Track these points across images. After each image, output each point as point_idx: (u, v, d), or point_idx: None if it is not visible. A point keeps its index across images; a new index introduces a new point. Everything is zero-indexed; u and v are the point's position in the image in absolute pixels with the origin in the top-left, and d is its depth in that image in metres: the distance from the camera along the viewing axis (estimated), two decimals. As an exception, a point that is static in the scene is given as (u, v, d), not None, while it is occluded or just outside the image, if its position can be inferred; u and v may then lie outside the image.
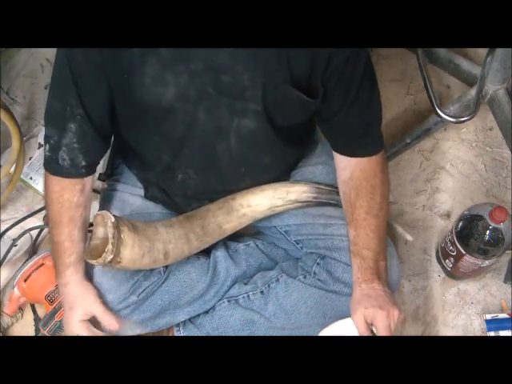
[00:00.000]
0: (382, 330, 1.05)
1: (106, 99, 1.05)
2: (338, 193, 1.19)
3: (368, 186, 1.11)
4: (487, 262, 1.29)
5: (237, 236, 1.30)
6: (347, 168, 1.13)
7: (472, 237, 1.25)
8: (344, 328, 1.10)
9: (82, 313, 1.12)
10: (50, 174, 1.11)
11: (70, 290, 1.13)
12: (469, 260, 1.29)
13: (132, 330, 1.21)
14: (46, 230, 1.51)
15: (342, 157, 1.14)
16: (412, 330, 1.37)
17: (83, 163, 1.10)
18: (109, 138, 1.16)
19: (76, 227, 1.12)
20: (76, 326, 1.11)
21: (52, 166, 1.10)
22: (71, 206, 1.11)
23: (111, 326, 1.12)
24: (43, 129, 1.60)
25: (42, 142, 1.58)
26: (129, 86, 1.00)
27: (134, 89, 1.00)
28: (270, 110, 1.03)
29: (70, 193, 1.11)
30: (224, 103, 1.01)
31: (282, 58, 0.97)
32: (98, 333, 1.12)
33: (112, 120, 1.10)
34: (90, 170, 1.13)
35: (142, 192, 1.28)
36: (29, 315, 1.42)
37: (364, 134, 1.11)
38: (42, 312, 1.41)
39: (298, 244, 1.26)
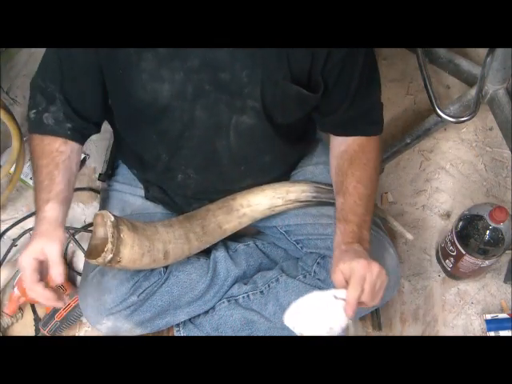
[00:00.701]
0: (355, 279, 0.95)
1: (97, 98, 1.06)
2: (338, 193, 1.19)
3: (364, 158, 1.11)
4: (487, 262, 1.29)
5: (237, 236, 1.30)
6: (343, 143, 1.13)
7: (472, 237, 1.25)
8: (319, 300, 1.01)
9: (40, 250, 1.00)
10: (35, 135, 1.09)
11: (41, 226, 1.03)
12: (469, 260, 1.29)
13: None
14: (46, 230, 1.51)
15: (340, 137, 1.14)
16: (412, 330, 1.37)
17: (69, 126, 1.08)
18: (100, 123, 1.15)
19: (57, 169, 1.07)
20: (26, 260, 0.99)
21: (37, 126, 1.08)
22: (51, 150, 1.08)
23: (56, 277, 1.00)
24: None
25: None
26: (125, 84, 1.00)
27: (130, 86, 1.00)
28: (268, 107, 1.03)
29: (52, 141, 1.08)
30: (222, 100, 1.01)
31: (282, 56, 0.97)
32: (37, 290, 1.00)
33: (106, 114, 1.10)
34: (76, 134, 1.10)
35: (142, 192, 1.28)
36: (29, 315, 1.42)
37: (365, 122, 1.12)
38: (42, 312, 1.41)
39: (298, 244, 1.26)
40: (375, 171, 1.12)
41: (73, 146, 1.10)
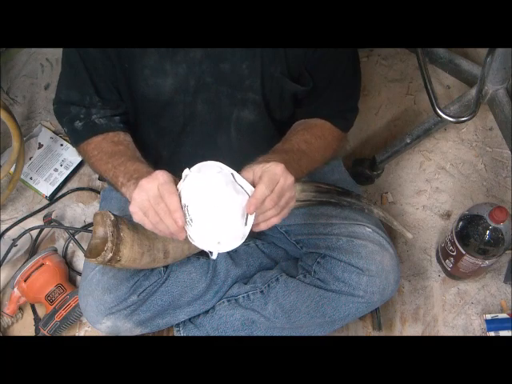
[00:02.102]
0: (268, 177, 0.89)
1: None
2: (338, 192, 1.19)
3: (319, 132, 1.09)
4: (487, 262, 1.29)
5: (237, 236, 1.30)
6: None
7: (472, 237, 1.25)
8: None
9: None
10: (93, 138, 1.07)
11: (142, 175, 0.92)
12: (469, 260, 1.29)
13: (131, 330, 1.22)
14: (45, 230, 1.51)
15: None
16: (412, 330, 1.38)
17: (117, 119, 1.08)
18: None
19: (123, 157, 1.02)
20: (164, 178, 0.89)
21: (92, 129, 1.07)
22: (120, 140, 1.06)
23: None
24: (43, 129, 1.61)
25: (42, 142, 1.60)
26: (129, 79, 1.00)
27: (134, 82, 1.00)
28: (268, 100, 1.03)
29: (116, 134, 1.07)
30: (223, 93, 1.01)
31: (280, 50, 0.97)
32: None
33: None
34: (126, 125, 1.09)
35: (142, 192, 1.28)
36: (29, 315, 1.43)
37: (338, 115, 1.13)
38: (41, 312, 1.41)
39: (297, 244, 1.26)
40: (323, 150, 1.09)
41: (127, 134, 1.09)
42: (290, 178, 0.91)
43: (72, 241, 1.46)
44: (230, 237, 0.91)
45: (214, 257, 0.91)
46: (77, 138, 1.11)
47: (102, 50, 1.00)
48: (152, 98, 1.01)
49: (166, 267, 1.21)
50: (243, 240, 0.91)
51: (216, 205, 0.88)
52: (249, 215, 0.90)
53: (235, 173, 0.91)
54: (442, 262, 1.40)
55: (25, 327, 1.42)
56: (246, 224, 0.90)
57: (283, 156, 0.99)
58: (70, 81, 1.09)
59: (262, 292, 1.24)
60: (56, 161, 1.58)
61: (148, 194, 0.87)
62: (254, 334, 1.22)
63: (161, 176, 0.87)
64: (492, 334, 1.35)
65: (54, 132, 1.61)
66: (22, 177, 1.53)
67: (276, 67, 0.99)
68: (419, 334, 1.37)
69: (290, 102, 1.07)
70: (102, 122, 1.07)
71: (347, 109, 1.16)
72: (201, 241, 0.91)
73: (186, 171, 0.90)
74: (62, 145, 1.59)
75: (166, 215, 0.86)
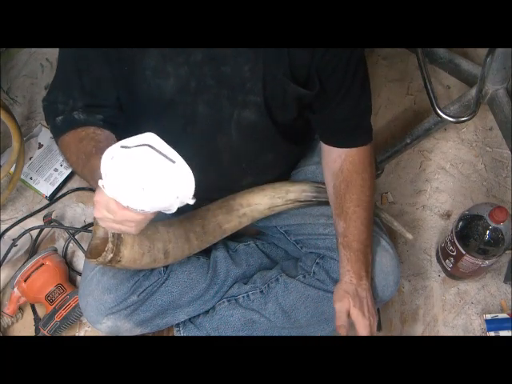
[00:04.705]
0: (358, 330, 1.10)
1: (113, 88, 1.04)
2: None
3: (359, 179, 1.12)
4: (487, 262, 1.29)
5: (237, 236, 1.30)
6: (337, 160, 1.13)
7: (472, 237, 1.25)
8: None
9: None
10: (67, 132, 1.03)
11: None
12: (469, 260, 1.29)
13: (130, 330, 1.22)
14: (45, 230, 1.51)
15: (332, 148, 1.14)
16: (412, 330, 1.38)
17: (100, 117, 1.04)
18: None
19: (95, 147, 0.98)
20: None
21: (69, 123, 1.03)
22: (88, 133, 1.02)
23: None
24: (43, 129, 1.61)
25: (42, 142, 1.60)
26: (130, 78, 1.00)
27: (135, 81, 1.00)
28: (269, 102, 1.03)
29: (86, 128, 1.03)
30: (224, 95, 1.01)
31: (283, 51, 0.97)
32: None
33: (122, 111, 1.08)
34: (107, 124, 1.05)
35: (142, 192, 1.27)
36: (29, 315, 1.43)
37: (354, 126, 1.11)
38: (41, 312, 1.41)
39: (297, 244, 1.26)
40: (371, 191, 1.13)
41: (107, 132, 1.05)
42: (374, 323, 1.12)
43: (72, 241, 1.46)
44: (178, 184, 0.87)
45: (191, 202, 0.88)
46: (55, 133, 1.07)
47: (100, 52, 0.99)
48: (153, 99, 1.01)
49: (166, 267, 1.21)
50: (189, 172, 0.87)
51: (138, 170, 0.82)
52: (168, 151, 0.84)
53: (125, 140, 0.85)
54: (442, 261, 1.40)
55: (25, 327, 1.42)
56: (173, 162, 0.85)
57: (362, 249, 1.11)
58: (60, 82, 1.07)
59: (261, 292, 1.24)
60: (56, 161, 1.58)
61: (108, 220, 0.90)
62: (254, 333, 1.22)
63: (100, 199, 0.87)
64: (492, 333, 1.35)
65: (53, 132, 1.61)
66: (22, 177, 1.53)
67: (279, 69, 0.99)
68: (419, 334, 1.37)
69: (293, 104, 1.06)
70: (80, 117, 1.04)
71: (362, 118, 1.13)
72: (167, 205, 0.88)
73: (100, 182, 0.84)
74: (62, 145, 1.59)
75: (134, 225, 0.90)
